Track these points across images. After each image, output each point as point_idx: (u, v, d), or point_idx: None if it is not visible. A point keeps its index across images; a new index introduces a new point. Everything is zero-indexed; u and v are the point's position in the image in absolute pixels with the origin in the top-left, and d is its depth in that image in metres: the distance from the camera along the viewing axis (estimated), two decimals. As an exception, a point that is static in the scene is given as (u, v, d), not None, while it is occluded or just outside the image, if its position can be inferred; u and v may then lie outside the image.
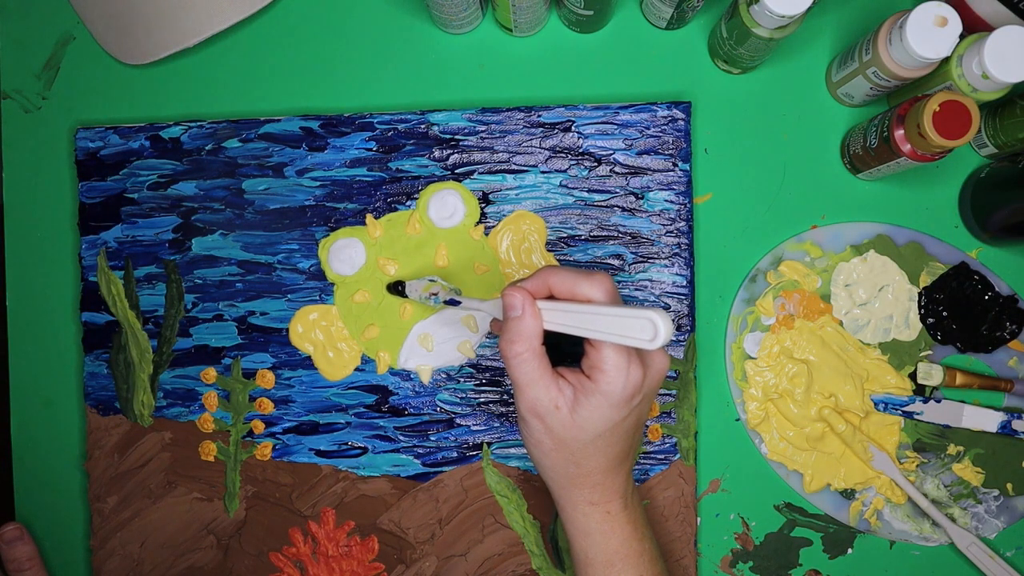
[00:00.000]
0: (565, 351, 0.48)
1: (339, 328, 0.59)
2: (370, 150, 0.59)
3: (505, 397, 0.58)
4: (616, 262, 0.58)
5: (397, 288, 0.56)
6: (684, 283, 0.58)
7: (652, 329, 0.39)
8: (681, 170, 0.58)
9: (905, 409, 0.58)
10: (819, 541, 0.59)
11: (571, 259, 0.58)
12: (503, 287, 0.48)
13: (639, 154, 0.59)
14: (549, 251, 0.58)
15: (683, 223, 0.58)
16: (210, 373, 0.59)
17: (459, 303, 0.51)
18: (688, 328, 0.58)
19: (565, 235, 0.59)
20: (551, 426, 0.45)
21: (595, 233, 0.59)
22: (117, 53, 0.60)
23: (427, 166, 0.59)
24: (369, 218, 0.59)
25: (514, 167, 0.59)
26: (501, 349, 0.45)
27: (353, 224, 0.59)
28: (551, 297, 0.46)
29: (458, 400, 0.59)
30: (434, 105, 0.61)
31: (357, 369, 0.59)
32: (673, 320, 0.58)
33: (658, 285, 0.58)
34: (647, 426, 0.58)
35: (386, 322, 0.58)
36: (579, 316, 0.43)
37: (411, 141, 0.59)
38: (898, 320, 0.59)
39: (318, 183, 0.59)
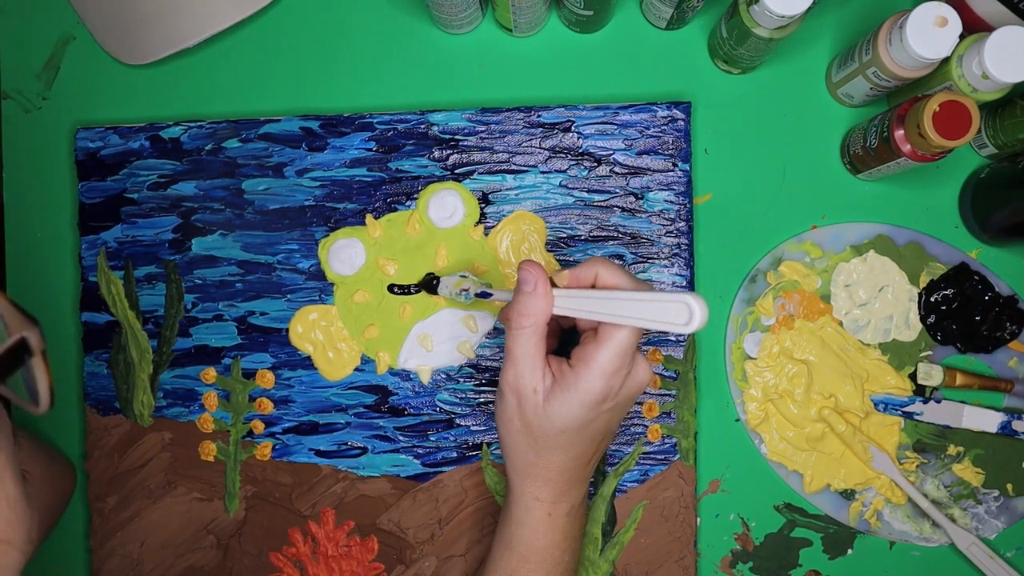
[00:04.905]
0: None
1: (339, 328, 0.59)
2: (370, 150, 0.59)
3: (505, 397, 0.58)
4: (616, 262, 0.58)
5: (431, 284, 0.57)
6: (684, 283, 0.58)
7: (687, 313, 0.40)
8: (681, 170, 0.58)
9: (905, 409, 0.58)
10: (819, 542, 0.59)
11: (571, 259, 0.58)
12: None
13: (639, 154, 0.58)
14: (549, 251, 0.58)
15: (683, 223, 0.58)
16: (210, 373, 0.59)
17: (491, 295, 0.51)
18: (688, 328, 0.58)
19: (565, 235, 0.59)
20: (524, 408, 0.46)
21: (595, 233, 0.59)
22: (117, 53, 0.60)
23: (427, 166, 0.59)
24: (369, 218, 0.59)
25: (514, 167, 0.59)
26: (508, 318, 0.46)
27: (353, 224, 0.59)
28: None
29: (458, 400, 0.59)
30: (434, 105, 0.61)
31: (357, 369, 0.59)
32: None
33: (658, 285, 0.58)
34: (645, 427, 0.58)
35: (386, 322, 0.58)
36: (600, 302, 0.43)
37: (411, 141, 0.59)
38: (898, 320, 0.59)
39: (318, 183, 0.59)
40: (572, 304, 0.45)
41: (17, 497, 0.39)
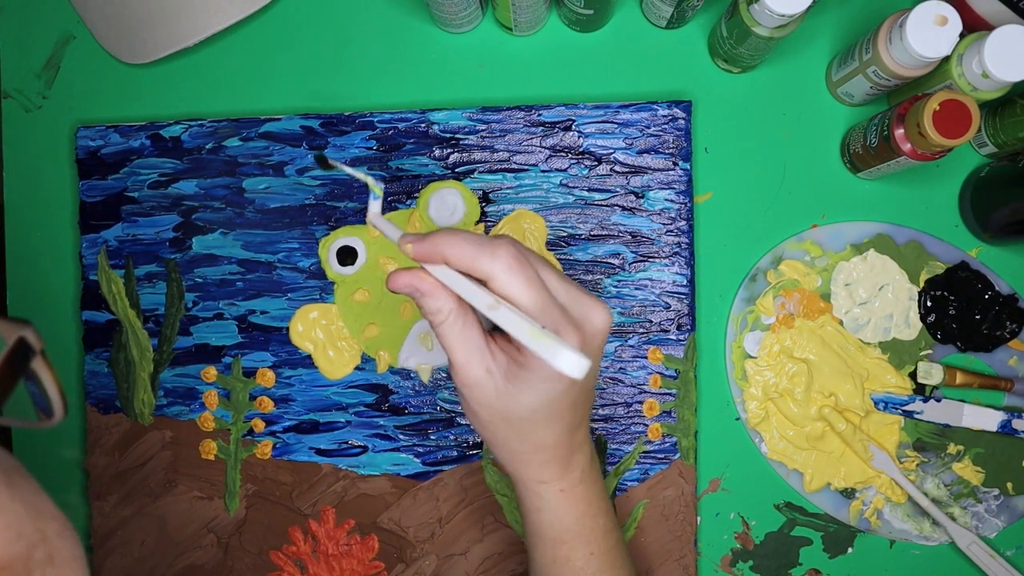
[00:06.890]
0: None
1: (339, 327, 0.59)
2: (370, 149, 0.59)
3: (505, 396, 0.58)
4: (616, 261, 0.58)
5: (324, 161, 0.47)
6: (684, 282, 0.58)
7: (568, 363, 0.35)
8: (681, 169, 0.58)
9: (905, 408, 0.58)
10: (819, 540, 0.59)
11: (571, 258, 0.58)
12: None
13: (639, 153, 0.59)
14: (549, 250, 0.58)
15: (683, 222, 0.58)
16: (210, 372, 0.59)
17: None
18: (688, 327, 0.58)
19: (565, 234, 0.59)
20: (485, 395, 0.41)
21: (595, 232, 0.59)
22: (117, 52, 0.60)
23: (427, 165, 0.59)
24: (369, 217, 0.59)
25: (514, 166, 0.59)
26: (425, 318, 0.41)
27: (353, 223, 0.59)
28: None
29: (458, 399, 0.59)
30: (434, 104, 0.61)
31: (357, 368, 0.59)
32: (673, 319, 0.58)
33: (658, 284, 0.58)
34: (646, 425, 0.58)
35: (386, 321, 0.58)
36: (485, 297, 0.38)
37: (411, 140, 0.59)
38: (898, 319, 0.59)
39: (318, 182, 0.59)
40: (473, 299, 0.39)
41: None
